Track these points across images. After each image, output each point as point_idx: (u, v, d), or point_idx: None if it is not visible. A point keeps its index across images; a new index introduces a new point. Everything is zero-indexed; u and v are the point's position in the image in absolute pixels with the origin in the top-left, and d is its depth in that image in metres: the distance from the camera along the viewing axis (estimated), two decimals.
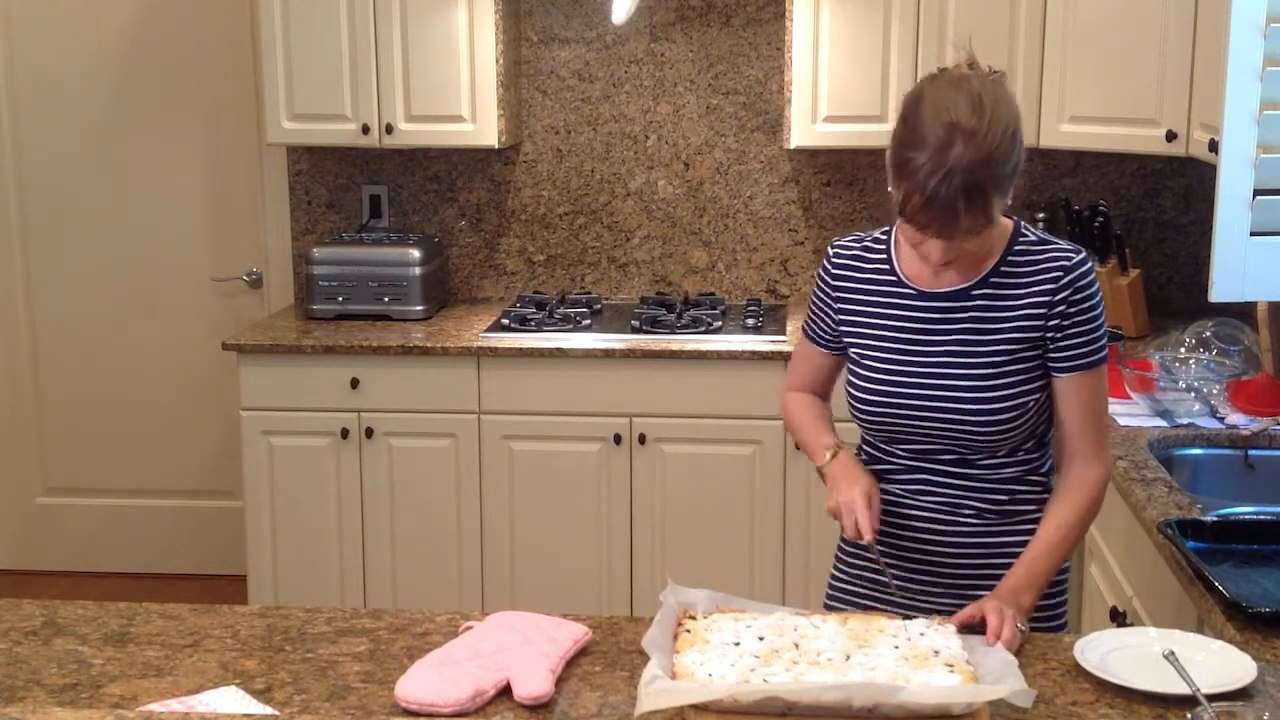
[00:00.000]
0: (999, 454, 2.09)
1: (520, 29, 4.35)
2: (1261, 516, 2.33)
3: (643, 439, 3.89)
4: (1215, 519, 2.28)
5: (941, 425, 2.06)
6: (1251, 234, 2.69)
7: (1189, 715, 1.56)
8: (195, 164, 4.59)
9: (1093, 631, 1.92)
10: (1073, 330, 2.03)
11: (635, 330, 3.97)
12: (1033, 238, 2.08)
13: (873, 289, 2.14)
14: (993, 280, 2.05)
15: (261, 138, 4.39)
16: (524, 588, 3.99)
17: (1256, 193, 2.68)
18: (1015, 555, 2.06)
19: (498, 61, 4.06)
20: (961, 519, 2.11)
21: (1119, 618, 2.54)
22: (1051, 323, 2.02)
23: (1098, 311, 2.05)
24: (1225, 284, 2.72)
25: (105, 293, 4.67)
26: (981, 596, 1.96)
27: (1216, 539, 2.18)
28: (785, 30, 4.04)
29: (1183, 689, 1.63)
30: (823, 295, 2.21)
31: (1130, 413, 3.00)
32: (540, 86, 4.39)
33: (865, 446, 2.22)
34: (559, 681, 1.74)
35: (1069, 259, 2.04)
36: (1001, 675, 1.63)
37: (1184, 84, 3.35)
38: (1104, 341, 2.06)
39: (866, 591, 2.20)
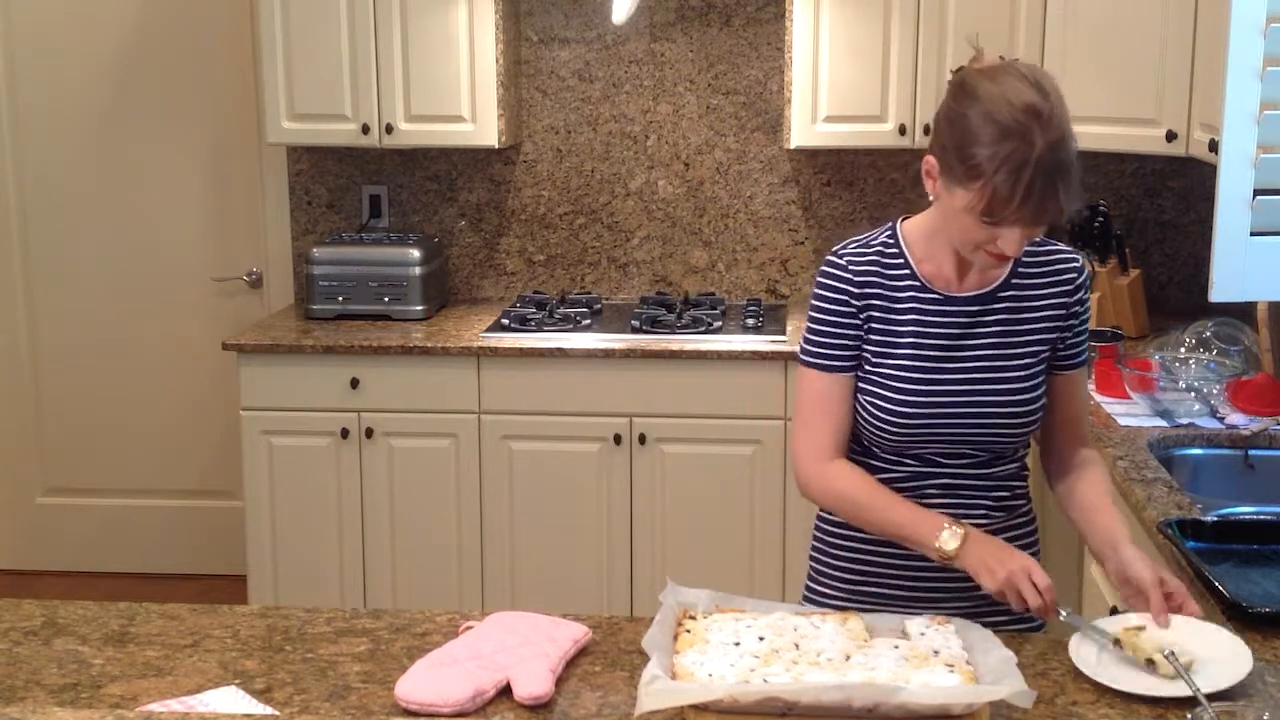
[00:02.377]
0: (1010, 452, 2.10)
1: (520, 29, 4.35)
2: (1261, 516, 2.33)
3: (643, 439, 3.89)
4: (1215, 519, 2.28)
5: (977, 430, 2.03)
6: (1251, 234, 2.69)
7: (1189, 715, 1.56)
8: (195, 164, 4.59)
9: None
10: (1080, 328, 2.08)
11: (635, 330, 3.97)
12: (1035, 238, 2.07)
13: (900, 296, 2.04)
14: (1014, 282, 2.06)
15: (261, 138, 4.39)
16: (524, 588, 4.00)
17: (1256, 193, 2.68)
18: (1024, 546, 2.10)
19: (498, 61, 4.06)
20: (974, 519, 2.07)
21: None
22: (1069, 322, 2.07)
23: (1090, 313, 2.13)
24: (1225, 284, 2.72)
25: (105, 293, 4.67)
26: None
27: (1216, 539, 2.18)
28: (785, 30, 4.04)
29: (1182, 690, 1.63)
30: (845, 311, 2.05)
31: (1130, 413, 3.00)
32: (540, 86, 4.39)
33: (860, 456, 2.11)
34: (559, 681, 1.74)
35: (1076, 259, 2.09)
36: (1001, 675, 1.63)
37: (1184, 84, 3.34)
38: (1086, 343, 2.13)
39: (847, 589, 2.16)
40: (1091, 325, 3.63)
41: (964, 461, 2.08)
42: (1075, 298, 2.06)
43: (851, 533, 2.14)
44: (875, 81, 3.92)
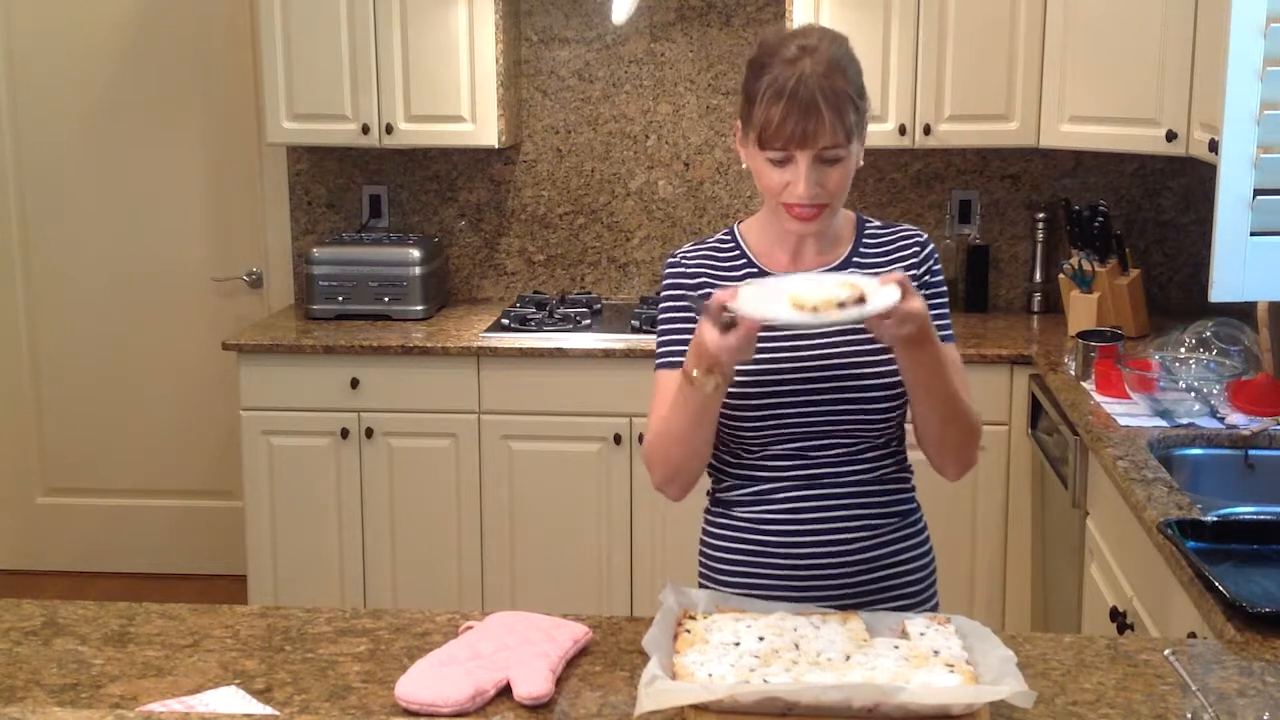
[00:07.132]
0: (880, 440, 2.03)
1: (520, 29, 4.35)
2: (1261, 516, 2.34)
3: (642, 439, 3.88)
4: (1215, 519, 2.29)
5: (837, 408, 1.98)
6: (1251, 234, 2.70)
7: (1189, 715, 1.56)
8: (195, 164, 4.59)
9: (1092, 631, 1.92)
10: (934, 300, 2.01)
11: (635, 330, 3.97)
12: (877, 223, 2.13)
13: (734, 281, 2.00)
14: (855, 260, 2.05)
15: (261, 138, 4.39)
16: (524, 588, 3.99)
17: (1256, 193, 2.68)
18: (905, 536, 2.07)
19: (498, 61, 4.06)
20: (859, 522, 2.04)
21: (1119, 618, 2.54)
22: (923, 294, 1.98)
23: (945, 285, 2.10)
24: (1225, 284, 2.72)
25: (105, 293, 4.67)
26: (885, 584, 2.03)
27: (1216, 539, 2.18)
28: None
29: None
30: (683, 305, 2.03)
31: (1130, 413, 3.00)
32: (540, 86, 4.39)
33: (732, 470, 2.07)
34: (559, 681, 1.74)
35: (921, 234, 2.10)
36: (1001, 675, 1.62)
37: (1184, 84, 3.35)
38: (949, 316, 2.08)
39: (741, 569, 2.10)
40: (1092, 325, 3.66)
41: (837, 453, 2.01)
42: (924, 268, 2.05)
43: (734, 520, 2.09)
44: (875, 81, 3.91)
